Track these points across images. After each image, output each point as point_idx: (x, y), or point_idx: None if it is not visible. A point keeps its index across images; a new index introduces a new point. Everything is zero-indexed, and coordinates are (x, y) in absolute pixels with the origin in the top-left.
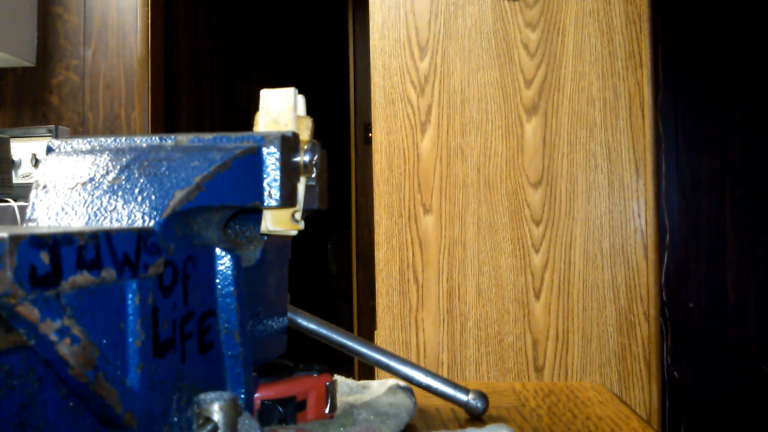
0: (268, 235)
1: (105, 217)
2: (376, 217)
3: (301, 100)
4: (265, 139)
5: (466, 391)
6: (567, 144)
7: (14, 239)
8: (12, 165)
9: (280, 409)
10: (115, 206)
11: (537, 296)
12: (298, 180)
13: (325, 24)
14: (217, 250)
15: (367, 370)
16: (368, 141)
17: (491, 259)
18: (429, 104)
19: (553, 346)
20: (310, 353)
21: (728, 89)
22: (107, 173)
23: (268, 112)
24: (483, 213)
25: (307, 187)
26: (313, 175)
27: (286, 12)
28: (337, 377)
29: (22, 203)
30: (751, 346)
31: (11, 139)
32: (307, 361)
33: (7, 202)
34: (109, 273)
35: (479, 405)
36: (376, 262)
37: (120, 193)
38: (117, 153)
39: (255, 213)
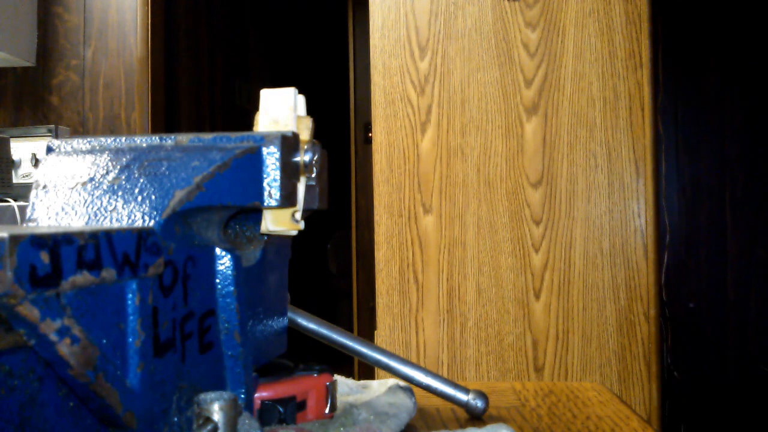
0: (268, 235)
1: (105, 217)
2: (376, 217)
3: (301, 100)
4: (265, 139)
5: (466, 391)
6: (567, 144)
7: (14, 239)
8: (12, 165)
9: (280, 409)
10: (115, 206)
11: (537, 296)
12: (298, 180)
13: (325, 24)
14: (217, 250)
15: (367, 370)
16: (368, 141)
17: (491, 259)
18: (429, 104)
19: (553, 346)
20: (310, 353)
21: (728, 89)
22: (107, 173)
23: (268, 112)
24: (483, 213)
25: (307, 187)
26: (313, 175)
27: (286, 12)
28: (337, 377)
29: (22, 203)
30: (751, 346)
31: (11, 139)
32: (307, 361)
33: (7, 202)
34: (109, 273)
35: (479, 405)
36: (376, 262)
37: (120, 193)
38: (117, 153)
39: (255, 213)
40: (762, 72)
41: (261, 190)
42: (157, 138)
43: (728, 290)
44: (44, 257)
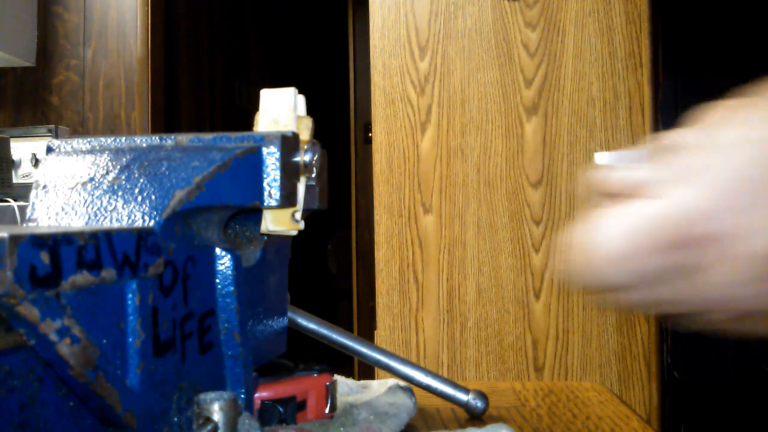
0: (268, 235)
1: (105, 217)
2: (376, 217)
3: (301, 100)
4: (265, 139)
5: (466, 391)
6: (567, 144)
7: (14, 239)
8: (12, 165)
9: (280, 409)
10: (115, 206)
11: (537, 296)
12: (298, 180)
13: (325, 24)
14: (217, 250)
15: (367, 370)
16: (368, 141)
17: (491, 259)
18: (429, 104)
19: (553, 346)
20: (310, 353)
21: (728, 89)
22: (107, 173)
23: (268, 112)
24: (483, 213)
25: (307, 187)
26: (313, 175)
27: (286, 12)
28: (337, 377)
29: (22, 203)
30: (751, 346)
31: (11, 139)
32: (307, 361)
33: (7, 202)
34: (109, 273)
35: (479, 405)
36: (376, 262)
37: (120, 193)
38: (117, 153)
39: (255, 213)
40: (762, 72)
41: (261, 190)
42: (157, 138)
43: None
44: (44, 257)
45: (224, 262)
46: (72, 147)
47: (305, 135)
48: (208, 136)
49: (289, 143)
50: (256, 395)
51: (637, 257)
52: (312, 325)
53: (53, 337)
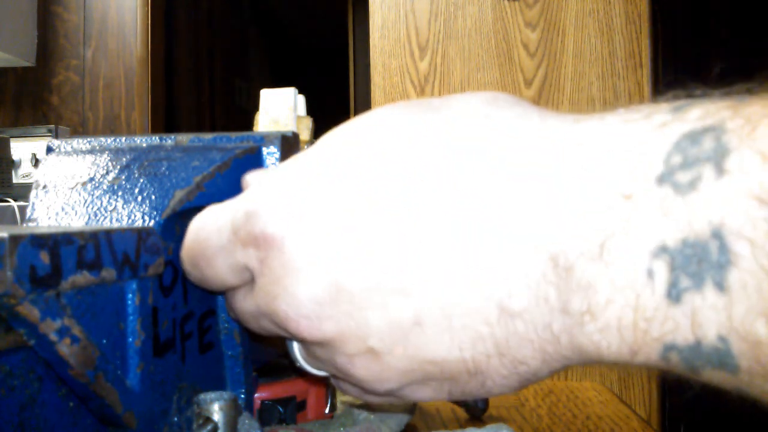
0: None
1: (105, 217)
2: None
3: (301, 100)
4: (265, 139)
5: None
6: None
7: (14, 239)
8: (12, 165)
9: (280, 409)
10: (115, 206)
11: None
12: None
13: (325, 23)
14: None
15: None
16: None
17: None
18: None
19: None
20: None
21: (728, 89)
22: (107, 173)
23: (268, 112)
24: None
25: None
26: None
27: (286, 11)
28: None
29: (22, 203)
30: None
31: (11, 139)
32: None
33: (7, 202)
34: (109, 273)
35: (479, 405)
36: None
37: (120, 193)
38: (117, 153)
39: None
40: (762, 72)
41: None
42: (157, 138)
43: None
44: (44, 257)
45: None
46: (72, 147)
47: (305, 135)
48: (208, 136)
49: (289, 143)
50: (256, 395)
51: (210, 250)
52: None
53: (53, 337)
